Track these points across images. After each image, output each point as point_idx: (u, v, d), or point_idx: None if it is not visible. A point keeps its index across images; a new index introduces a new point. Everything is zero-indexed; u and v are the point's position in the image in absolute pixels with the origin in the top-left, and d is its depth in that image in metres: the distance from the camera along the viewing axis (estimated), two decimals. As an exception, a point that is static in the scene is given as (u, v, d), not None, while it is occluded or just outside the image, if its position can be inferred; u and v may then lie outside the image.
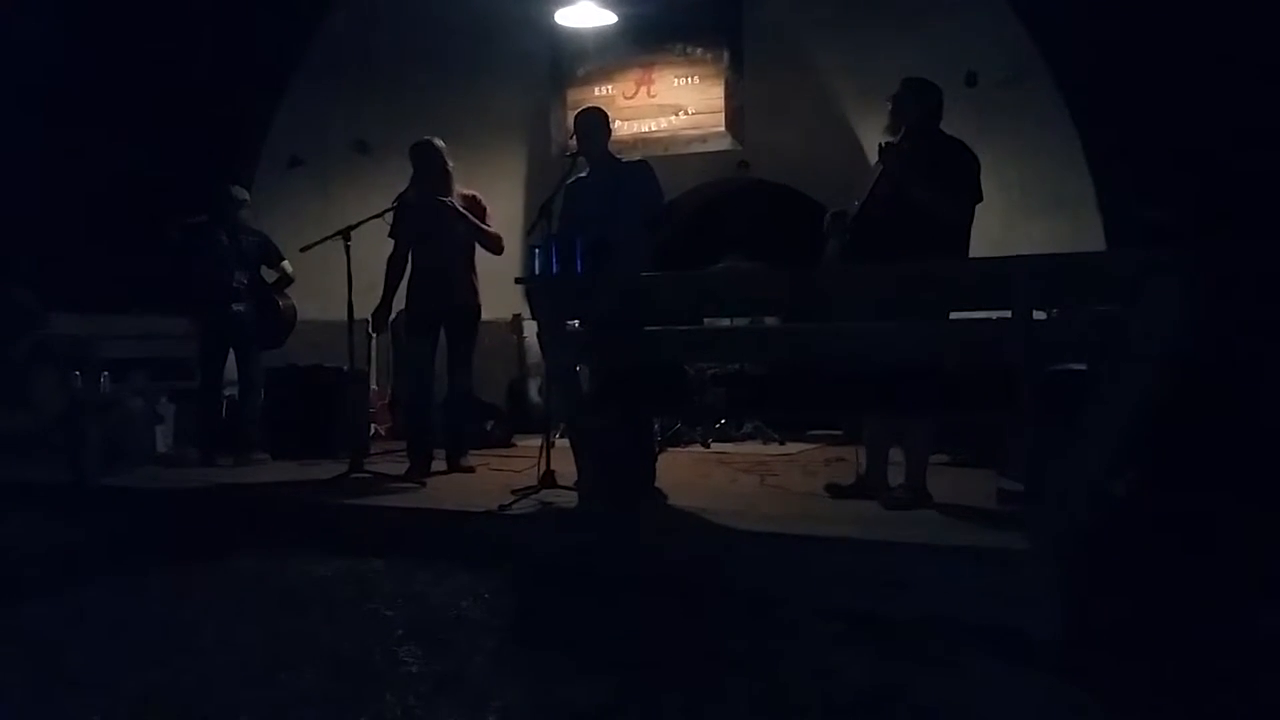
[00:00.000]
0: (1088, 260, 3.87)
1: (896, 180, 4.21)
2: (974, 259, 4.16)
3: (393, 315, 5.71)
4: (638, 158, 5.30)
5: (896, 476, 4.51)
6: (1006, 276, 3.35)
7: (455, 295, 5.56)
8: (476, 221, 5.53)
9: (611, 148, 5.07)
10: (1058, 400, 3.23)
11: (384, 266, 5.62)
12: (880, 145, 4.36)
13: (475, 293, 5.66)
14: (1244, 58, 5.44)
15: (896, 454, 4.58)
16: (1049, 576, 3.10)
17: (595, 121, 4.95)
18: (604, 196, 4.77)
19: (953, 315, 3.98)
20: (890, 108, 4.42)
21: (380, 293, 5.61)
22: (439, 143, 5.54)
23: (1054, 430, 3.27)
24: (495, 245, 5.62)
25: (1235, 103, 5.47)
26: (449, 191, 5.51)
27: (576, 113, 5.16)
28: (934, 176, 4.15)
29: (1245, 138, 5.42)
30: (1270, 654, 2.90)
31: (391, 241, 5.60)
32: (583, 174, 4.97)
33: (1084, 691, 2.68)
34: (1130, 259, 3.48)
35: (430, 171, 5.49)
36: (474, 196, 5.65)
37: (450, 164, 5.55)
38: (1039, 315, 3.47)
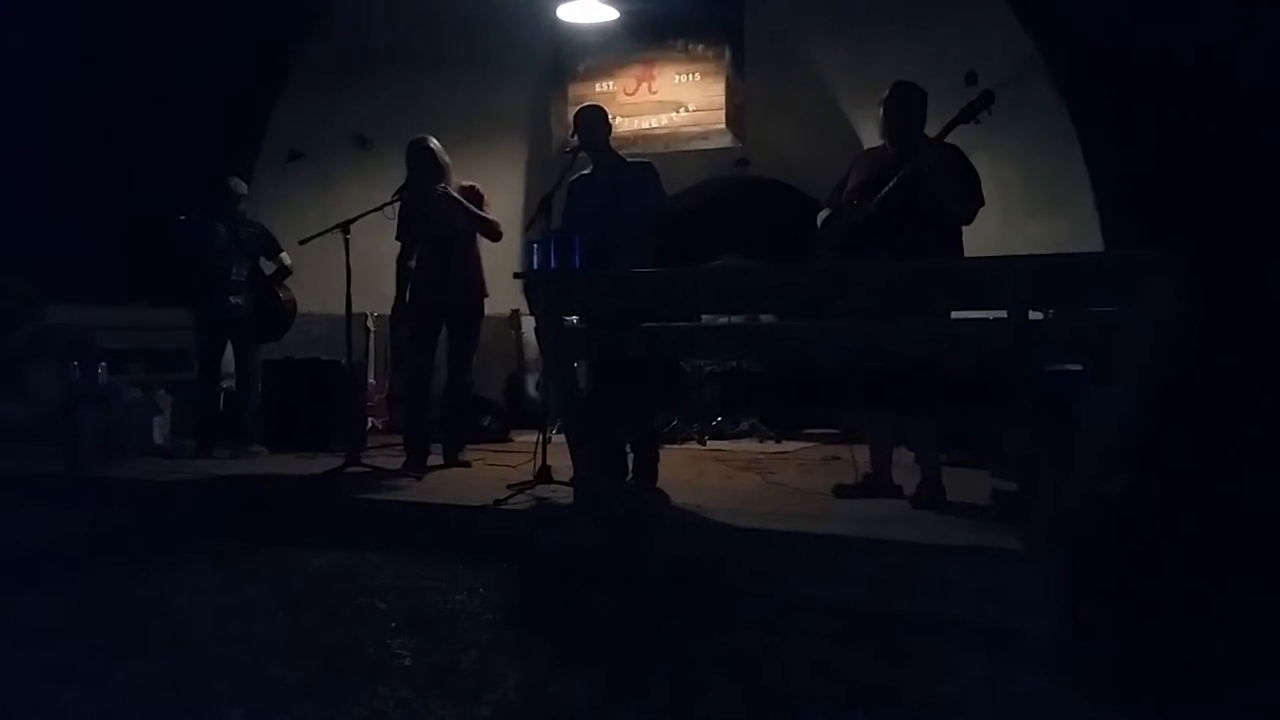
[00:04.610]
0: (1084, 260, 3.87)
1: (922, 181, 4.13)
2: (969, 258, 4.16)
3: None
4: (642, 157, 5.30)
5: (899, 476, 4.51)
6: (1002, 276, 3.35)
7: (457, 289, 5.56)
8: (472, 207, 5.51)
9: (613, 144, 5.08)
10: (1053, 401, 3.24)
11: (382, 260, 5.63)
12: (905, 150, 4.27)
13: (479, 287, 5.66)
14: (1241, 57, 5.44)
15: (898, 454, 4.59)
16: (1043, 577, 3.11)
17: (595, 119, 4.96)
18: (608, 195, 4.77)
19: (954, 315, 3.97)
20: (892, 112, 4.37)
21: (394, 294, 5.63)
22: (433, 142, 5.54)
23: (1049, 431, 3.28)
24: (493, 231, 5.61)
25: (1233, 103, 5.48)
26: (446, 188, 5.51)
27: (576, 110, 5.16)
28: (952, 181, 4.15)
29: (1242, 138, 5.42)
30: (1265, 654, 2.91)
31: (398, 242, 5.62)
32: (585, 171, 4.97)
33: (1077, 691, 2.69)
34: (1127, 260, 3.48)
35: (425, 170, 5.49)
36: (472, 187, 5.64)
37: (446, 161, 5.55)
38: (1035, 315, 3.47)
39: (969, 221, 4.25)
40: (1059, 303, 3.71)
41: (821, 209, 4.63)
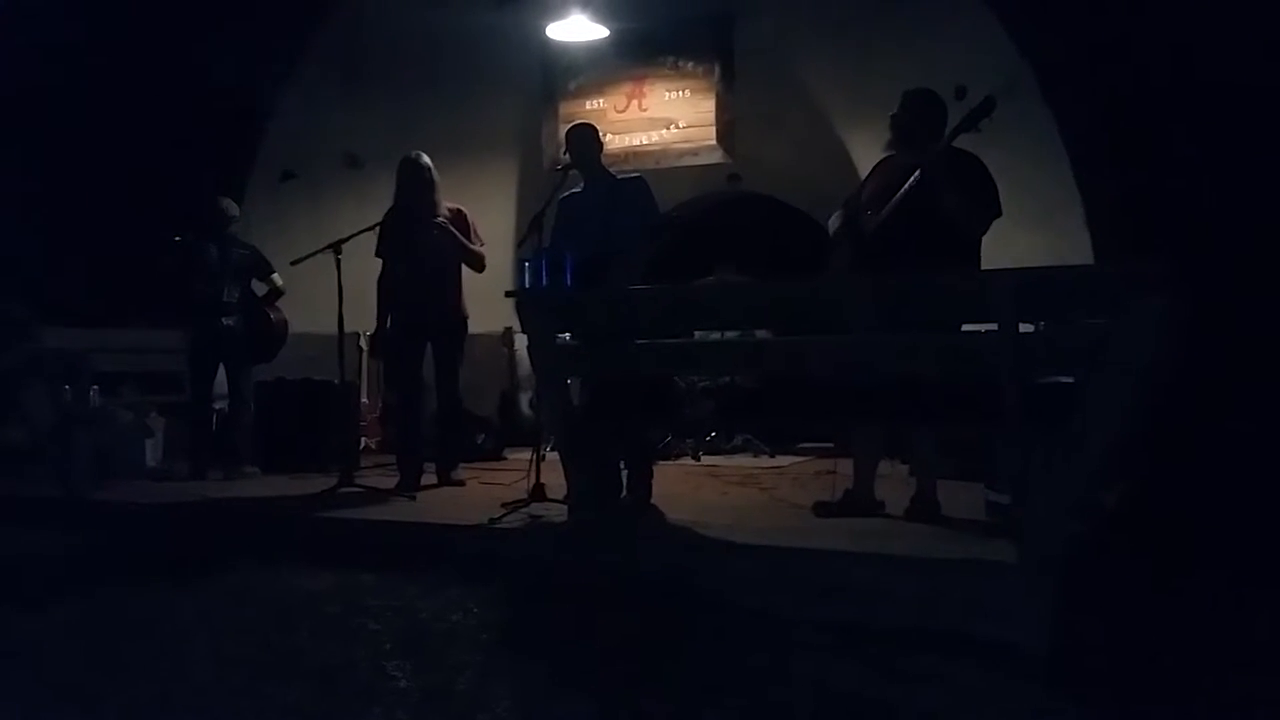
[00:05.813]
0: (1074, 273, 3.88)
1: (934, 191, 4.11)
2: (959, 272, 4.16)
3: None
4: (633, 173, 5.32)
5: (882, 490, 4.51)
6: (993, 290, 3.36)
7: (441, 307, 5.56)
8: (464, 240, 5.53)
9: (605, 161, 5.10)
10: (1045, 413, 3.24)
11: (373, 279, 5.62)
12: (919, 157, 4.23)
13: (461, 304, 5.66)
14: (1231, 69, 5.47)
15: (884, 467, 4.59)
16: (1037, 589, 3.11)
17: (586, 137, 4.98)
18: (600, 212, 4.79)
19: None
20: (904, 119, 4.34)
21: (376, 316, 5.61)
22: (425, 159, 5.55)
23: (1042, 443, 3.28)
24: (478, 263, 5.63)
25: (1221, 116, 5.50)
26: (434, 206, 5.52)
27: (567, 128, 5.19)
28: (964, 190, 4.13)
29: (1231, 151, 5.45)
30: (1259, 664, 2.91)
31: (380, 262, 5.60)
32: (576, 189, 4.98)
33: (1072, 704, 2.68)
34: (1117, 272, 3.49)
35: (415, 186, 5.50)
36: (460, 211, 5.65)
37: (436, 179, 5.55)
38: (1026, 328, 3.48)
39: (982, 231, 4.22)
40: (1049, 316, 3.72)
41: (821, 220, 4.62)
